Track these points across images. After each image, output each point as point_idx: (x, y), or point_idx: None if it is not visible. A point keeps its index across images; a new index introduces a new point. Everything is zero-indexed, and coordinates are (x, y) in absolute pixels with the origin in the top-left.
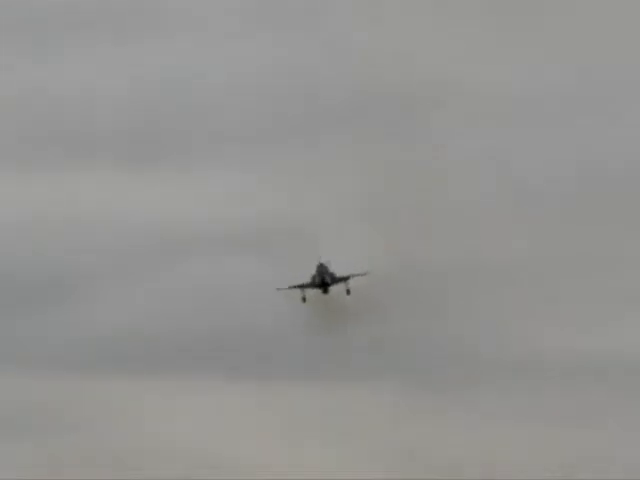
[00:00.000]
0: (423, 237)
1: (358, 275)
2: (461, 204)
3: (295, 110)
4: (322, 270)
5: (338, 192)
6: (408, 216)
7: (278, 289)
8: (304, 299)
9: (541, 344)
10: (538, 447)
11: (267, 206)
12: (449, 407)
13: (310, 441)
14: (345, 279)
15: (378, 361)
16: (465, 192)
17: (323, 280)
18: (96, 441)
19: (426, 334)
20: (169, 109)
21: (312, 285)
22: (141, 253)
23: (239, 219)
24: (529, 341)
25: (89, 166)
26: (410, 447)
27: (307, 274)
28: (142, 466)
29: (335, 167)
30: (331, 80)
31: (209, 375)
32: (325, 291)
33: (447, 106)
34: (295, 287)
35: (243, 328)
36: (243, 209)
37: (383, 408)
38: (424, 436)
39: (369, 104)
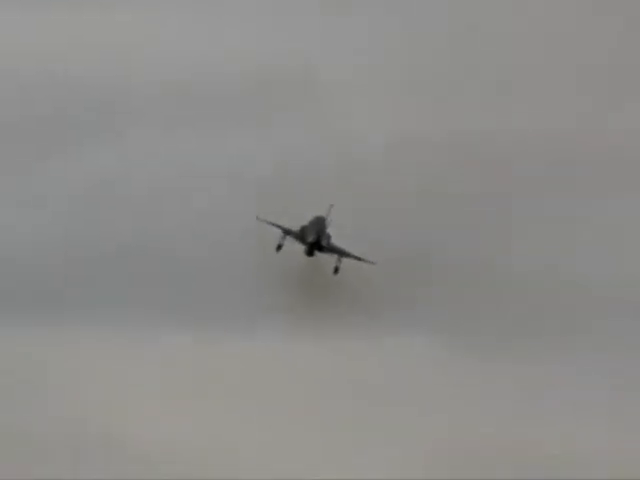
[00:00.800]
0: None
1: (361, 260)
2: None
3: None
4: (319, 226)
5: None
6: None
7: (258, 219)
8: (279, 247)
9: None
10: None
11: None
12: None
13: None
14: (342, 253)
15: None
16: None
17: (318, 241)
18: None
19: None
20: None
21: (299, 237)
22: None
23: (222, 74)
24: None
25: None
26: None
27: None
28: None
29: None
30: None
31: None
32: (311, 253)
33: None
34: (278, 226)
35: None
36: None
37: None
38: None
39: None
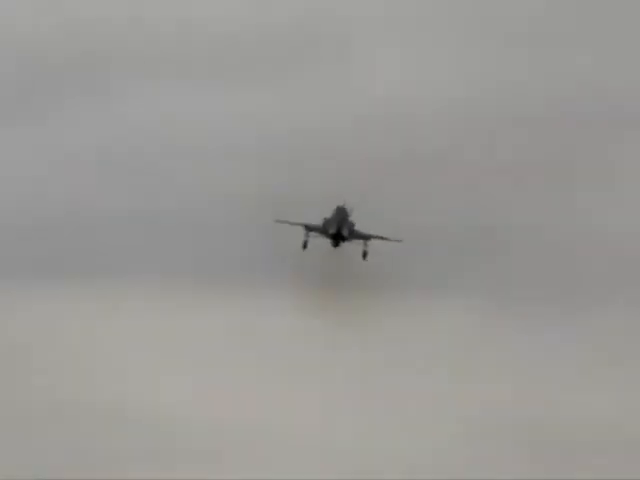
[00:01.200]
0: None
1: (387, 239)
2: None
3: None
4: (341, 217)
5: None
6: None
7: (277, 221)
8: (305, 245)
9: None
10: None
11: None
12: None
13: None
14: (367, 237)
15: None
16: None
17: (339, 231)
18: None
19: None
20: None
21: (322, 231)
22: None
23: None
24: None
25: None
26: None
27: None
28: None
29: None
30: None
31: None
32: (336, 244)
33: None
34: (300, 225)
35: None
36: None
37: None
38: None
39: None
